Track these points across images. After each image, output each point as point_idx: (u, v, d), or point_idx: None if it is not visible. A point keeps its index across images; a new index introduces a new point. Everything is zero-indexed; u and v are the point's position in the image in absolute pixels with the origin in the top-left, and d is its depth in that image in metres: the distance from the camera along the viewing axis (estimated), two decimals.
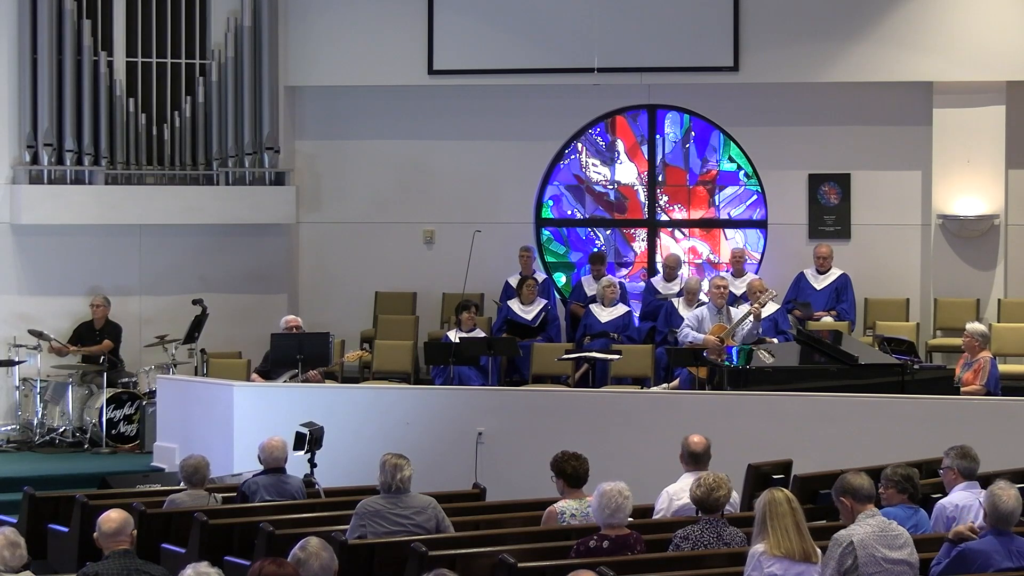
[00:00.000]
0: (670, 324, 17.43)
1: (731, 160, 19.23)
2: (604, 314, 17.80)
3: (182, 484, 11.64)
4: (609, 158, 19.58)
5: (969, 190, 17.92)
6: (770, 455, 12.24)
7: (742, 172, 19.21)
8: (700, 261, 19.39)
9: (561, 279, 19.69)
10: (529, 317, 18.12)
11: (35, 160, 17.73)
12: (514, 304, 18.23)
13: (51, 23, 17.65)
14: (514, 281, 18.49)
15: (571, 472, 10.04)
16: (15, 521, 11.67)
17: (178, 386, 16.14)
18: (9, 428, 17.19)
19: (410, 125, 19.46)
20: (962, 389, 14.69)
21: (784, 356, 15.71)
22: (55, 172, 17.84)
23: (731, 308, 16.73)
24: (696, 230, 19.47)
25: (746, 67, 18.23)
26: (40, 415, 16.99)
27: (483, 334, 17.27)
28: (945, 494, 9.92)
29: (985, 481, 9.40)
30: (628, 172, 19.56)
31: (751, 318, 16.38)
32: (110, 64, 18.06)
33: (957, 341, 16.02)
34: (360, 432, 14.44)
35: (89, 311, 17.74)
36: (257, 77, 18.62)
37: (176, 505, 11.23)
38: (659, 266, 19.11)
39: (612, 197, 19.61)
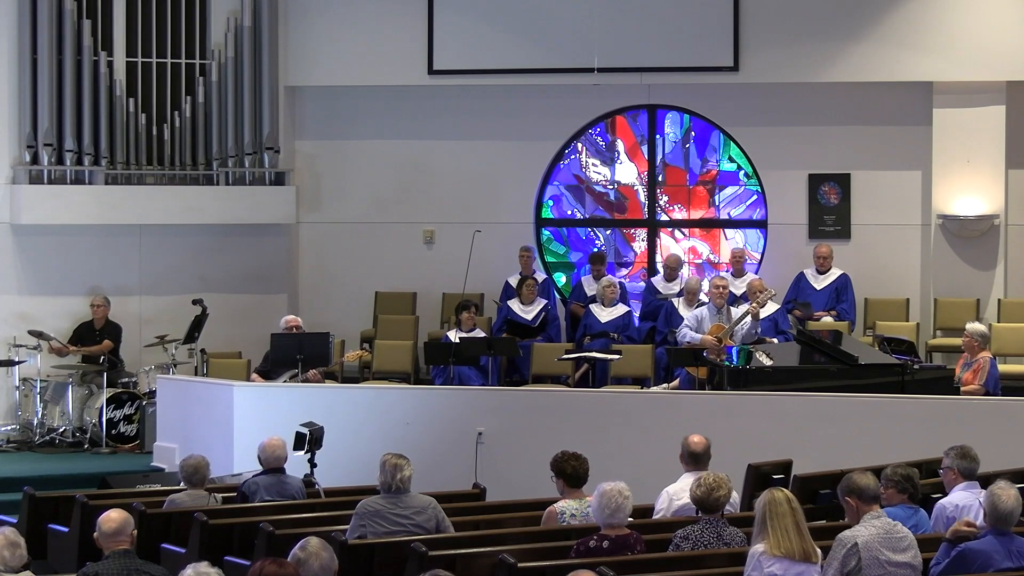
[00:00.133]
0: (670, 324, 17.43)
1: (731, 160, 19.23)
2: (604, 314, 17.81)
3: (182, 484, 11.63)
4: (609, 158, 19.58)
5: (969, 190, 17.92)
6: (770, 455, 12.24)
7: (742, 172, 19.21)
8: (700, 261, 19.39)
9: (561, 279, 19.69)
10: (529, 317, 18.12)
11: (35, 160, 17.73)
12: (514, 304, 18.23)
13: (51, 23, 17.66)
14: (514, 281, 18.49)
15: (571, 472, 10.04)
16: (15, 521, 11.67)
17: (178, 386, 16.14)
18: (9, 428, 17.19)
19: (410, 125, 19.46)
20: (962, 389, 14.69)
21: (784, 356, 15.71)
22: (55, 172, 17.84)
23: (731, 308, 16.73)
24: (696, 230, 19.47)
25: (746, 67, 18.23)
26: (40, 415, 16.99)
27: (483, 334, 17.27)
28: (945, 494, 9.92)
29: (985, 481, 9.40)
30: (628, 172, 19.56)
31: (749, 317, 16.38)
32: (110, 64, 18.06)
33: (957, 341, 16.01)
34: (360, 432, 14.44)
35: (89, 311, 17.74)
36: (257, 77, 18.62)
37: (176, 505, 11.23)
38: (659, 266, 19.11)
39: (612, 197, 19.61)
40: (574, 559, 8.87)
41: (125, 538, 8.03)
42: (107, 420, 16.65)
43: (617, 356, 16.76)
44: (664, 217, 19.50)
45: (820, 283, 18.14)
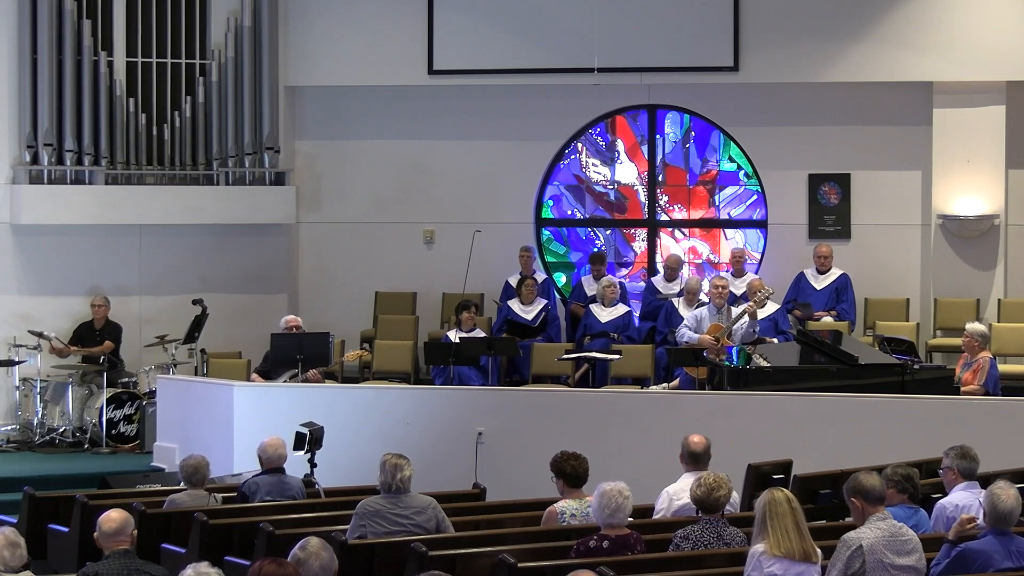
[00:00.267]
0: (670, 324, 17.43)
1: (731, 160, 19.23)
2: (604, 314, 17.81)
3: (182, 484, 11.63)
4: (609, 158, 19.58)
5: (969, 190, 17.92)
6: (770, 455, 12.24)
7: (742, 172, 19.21)
8: (700, 261, 19.39)
9: (561, 279, 19.69)
10: (529, 317, 18.13)
11: (35, 160, 17.73)
12: (514, 304, 18.23)
13: (51, 23, 17.66)
14: (514, 281, 18.50)
15: (570, 472, 10.04)
16: (15, 521, 11.67)
17: (178, 386, 16.14)
18: (9, 428, 17.19)
19: (410, 125, 19.46)
20: (962, 389, 14.70)
21: (784, 356, 15.71)
22: (55, 172, 17.84)
23: (731, 308, 16.73)
24: (696, 230, 19.47)
25: (746, 67, 18.23)
26: (40, 415, 16.99)
27: (483, 334, 17.27)
28: (945, 494, 9.92)
29: (985, 481, 9.40)
30: (628, 172, 19.56)
31: (747, 317, 16.38)
32: (110, 64, 18.06)
33: (957, 341, 16.01)
34: (360, 432, 14.44)
35: (89, 311, 17.74)
36: (257, 77, 18.62)
37: (176, 505, 11.23)
38: (659, 266, 19.11)
39: (612, 197, 19.61)
40: (574, 559, 8.87)
41: (125, 538, 8.03)
42: (107, 420, 16.65)
43: (617, 356, 16.76)
44: (664, 217, 19.50)
45: (820, 283, 18.14)
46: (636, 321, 18.15)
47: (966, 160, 17.94)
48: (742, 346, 15.98)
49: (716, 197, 19.30)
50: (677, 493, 10.37)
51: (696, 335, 16.49)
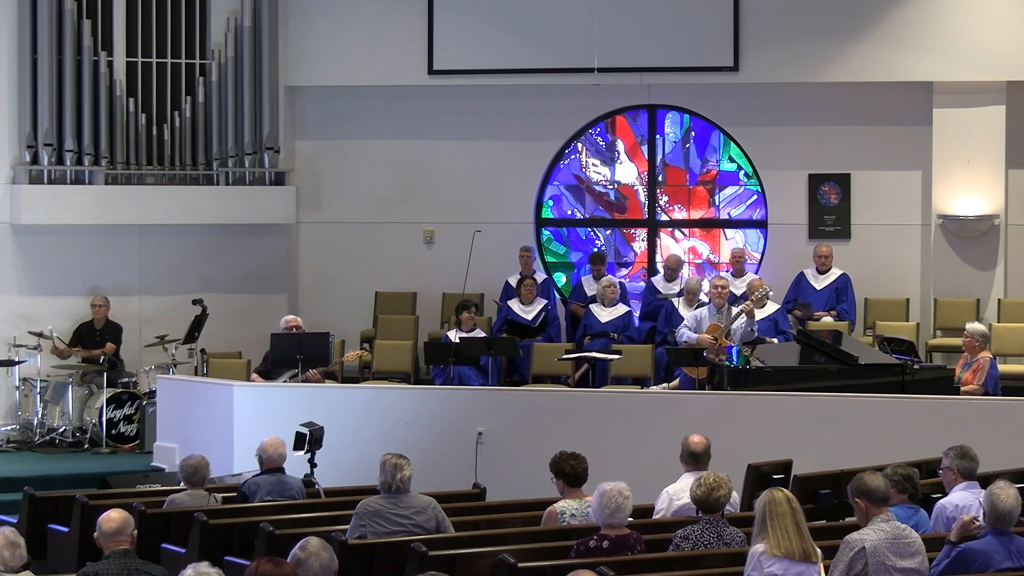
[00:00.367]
0: (670, 324, 17.43)
1: (731, 160, 19.23)
2: (604, 314, 17.81)
3: (182, 484, 11.63)
4: (609, 158, 19.58)
5: (969, 190, 17.92)
6: (770, 455, 12.24)
7: (742, 172, 19.21)
8: (700, 261, 19.39)
9: (561, 279, 19.69)
10: (529, 317, 18.13)
11: (35, 160, 17.73)
12: (514, 304, 18.23)
13: (51, 23, 17.66)
14: (514, 281, 18.50)
15: (569, 471, 10.04)
16: (15, 521, 11.67)
17: (178, 386, 16.13)
18: (9, 428, 17.19)
19: (410, 125, 19.46)
20: (962, 389, 14.70)
21: (784, 356, 15.71)
22: (55, 172, 17.84)
23: (731, 308, 16.73)
24: (696, 230, 19.47)
25: (746, 67, 18.23)
26: (40, 415, 16.99)
27: (483, 334, 17.27)
28: (945, 494, 9.93)
29: (985, 481, 9.40)
30: (628, 172, 19.56)
31: (744, 316, 16.38)
32: (110, 64, 18.06)
33: (957, 341, 16.02)
34: (360, 432, 14.43)
35: (89, 311, 17.74)
36: (257, 77, 18.62)
37: (176, 505, 11.23)
38: (659, 266, 19.11)
39: (612, 197, 19.61)
40: (574, 559, 8.87)
41: (125, 538, 8.03)
42: (107, 420, 16.65)
43: (617, 356, 16.76)
44: (664, 217, 19.50)
45: (820, 283, 18.14)
46: (636, 321, 18.15)
47: (966, 160, 17.95)
48: (740, 347, 15.98)
49: (716, 197, 19.30)
50: (677, 493, 10.37)
51: (695, 335, 16.49)
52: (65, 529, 11.51)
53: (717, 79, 18.40)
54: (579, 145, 19.58)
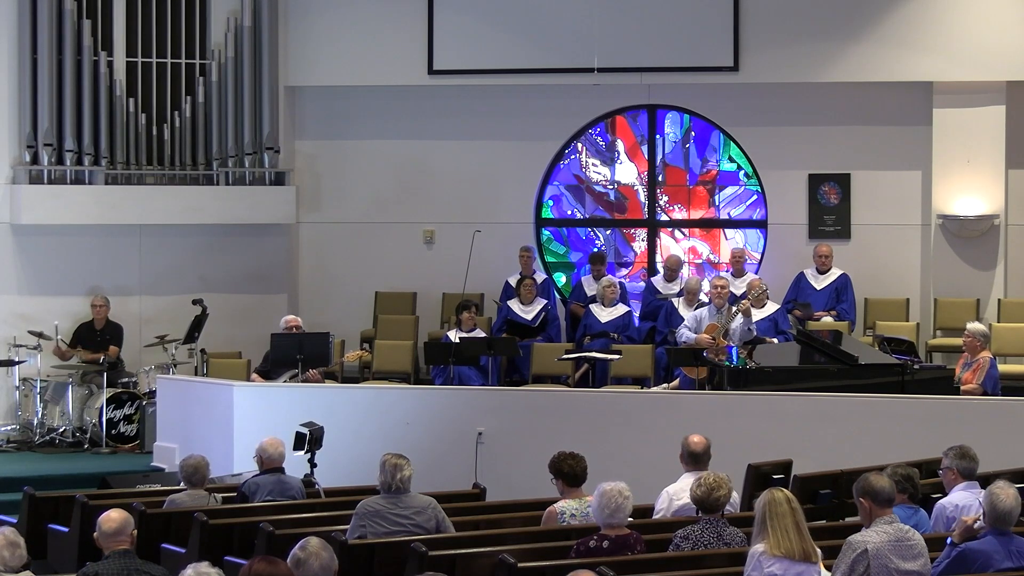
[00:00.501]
0: (670, 324, 17.43)
1: (731, 160, 19.23)
2: (604, 314, 17.81)
3: (182, 484, 11.63)
4: (609, 158, 19.58)
5: (969, 190, 17.92)
6: (770, 455, 12.24)
7: (742, 172, 19.21)
8: (700, 261, 19.39)
9: (561, 279, 19.69)
10: (529, 317, 18.13)
11: (35, 160, 17.73)
12: (514, 304, 18.23)
13: (51, 23, 17.66)
14: (514, 281, 18.50)
15: (568, 471, 10.04)
16: (15, 521, 11.67)
17: (178, 386, 16.14)
18: (9, 428, 17.19)
19: (410, 125, 19.46)
20: (961, 388, 14.70)
21: (784, 356, 15.71)
22: (55, 172, 17.84)
23: (732, 308, 16.73)
24: (696, 230, 19.47)
25: (746, 67, 18.23)
26: (40, 415, 16.99)
27: (483, 334, 17.27)
28: (945, 494, 9.93)
29: (985, 481, 9.40)
30: (628, 172, 19.56)
31: (740, 315, 16.38)
32: (110, 64, 18.06)
33: (957, 341, 16.02)
34: (360, 432, 14.44)
35: (89, 311, 17.74)
36: (257, 77, 18.62)
37: (176, 505, 11.23)
38: (659, 266, 19.11)
39: (612, 197, 19.61)
40: (574, 559, 8.87)
41: (125, 538, 8.03)
42: (107, 420, 16.65)
43: (617, 356, 16.76)
44: (664, 217, 19.50)
45: (820, 283, 18.14)
46: (636, 321, 18.15)
47: (966, 160, 17.94)
48: (738, 347, 15.97)
49: (716, 197, 19.30)
50: (677, 493, 10.37)
51: (693, 336, 16.49)
52: (65, 529, 11.51)
53: (717, 79, 18.40)
54: (579, 145, 19.58)
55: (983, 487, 8.94)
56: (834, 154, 18.63)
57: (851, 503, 9.82)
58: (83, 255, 18.18)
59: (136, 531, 8.17)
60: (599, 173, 19.61)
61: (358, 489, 11.69)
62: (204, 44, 18.58)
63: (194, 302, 17.62)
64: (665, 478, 10.77)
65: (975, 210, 17.91)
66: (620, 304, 17.97)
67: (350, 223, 19.54)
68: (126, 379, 17.16)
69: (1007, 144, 17.89)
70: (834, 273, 18.15)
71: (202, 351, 17.64)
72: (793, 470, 11.81)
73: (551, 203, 19.66)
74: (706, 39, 18.28)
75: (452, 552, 9.42)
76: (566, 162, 19.58)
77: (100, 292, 17.91)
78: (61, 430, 16.83)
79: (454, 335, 17.00)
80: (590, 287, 18.49)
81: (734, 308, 16.64)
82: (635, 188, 19.54)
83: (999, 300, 17.98)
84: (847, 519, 10.89)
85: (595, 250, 19.30)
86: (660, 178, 19.43)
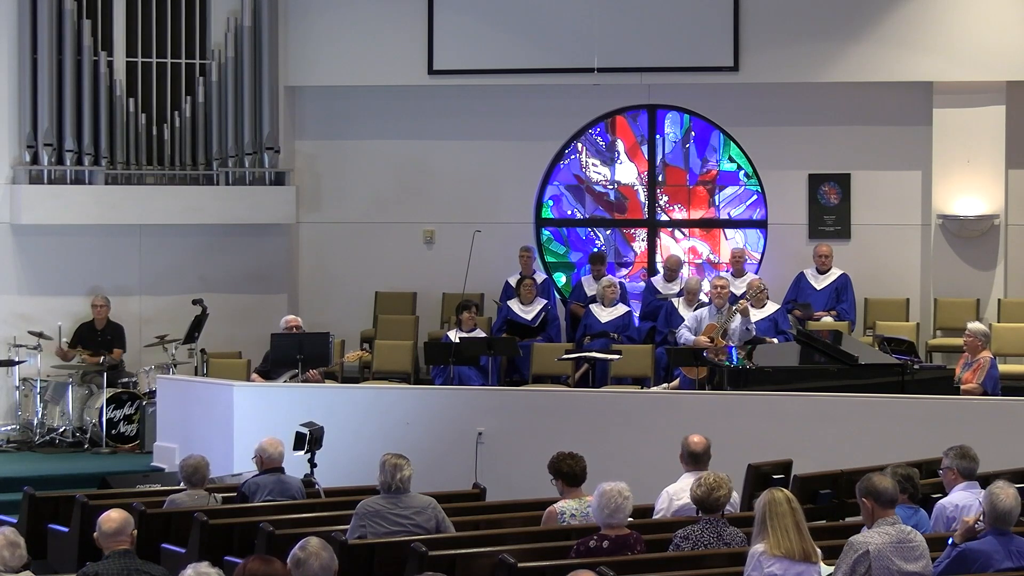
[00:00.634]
0: (670, 324, 17.43)
1: (731, 160, 19.23)
2: (604, 314, 17.81)
3: (182, 484, 11.63)
4: (609, 158, 19.58)
5: (969, 190, 17.92)
6: (770, 455, 12.24)
7: (742, 172, 19.21)
8: (700, 261, 19.39)
9: (561, 279, 19.69)
10: (529, 317, 18.13)
11: (35, 160, 17.73)
12: (514, 304, 18.23)
13: (51, 23, 17.66)
14: (514, 281, 18.50)
15: (567, 471, 10.04)
16: (15, 521, 11.67)
17: (178, 386, 16.14)
18: (9, 428, 17.19)
19: (410, 125, 19.46)
20: (961, 388, 14.70)
21: (784, 356, 15.71)
22: (55, 172, 17.84)
23: (731, 308, 16.72)
24: (696, 230, 19.47)
25: (746, 67, 18.23)
26: (40, 415, 17.00)
27: (483, 334, 17.27)
28: (945, 494, 9.93)
29: (985, 481, 9.40)
30: (628, 172, 19.56)
31: (738, 315, 16.38)
32: (110, 64, 18.06)
33: (957, 341, 16.02)
34: (360, 432, 14.44)
35: (89, 311, 17.74)
36: (257, 77, 18.62)
37: (176, 505, 11.23)
38: (659, 266, 19.11)
39: (612, 197, 19.61)
40: (574, 559, 8.87)
41: (125, 538, 8.03)
42: (107, 420, 16.65)
43: (617, 356, 16.76)
44: (664, 217, 19.50)
45: (820, 283, 18.14)
46: (636, 321, 18.15)
47: (966, 160, 17.94)
48: (736, 347, 15.97)
49: (716, 197, 19.30)
50: (677, 493, 10.37)
51: (692, 337, 16.49)
52: (65, 529, 11.52)
53: (717, 79, 18.40)
54: (579, 145, 19.58)
55: (983, 487, 8.94)
56: (834, 154, 18.63)
57: (851, 503, 9.85)
58: (83, 255, 18.18)
59: (136, 531, 8.17)
60: (599, 173, 19.61)
61: (358, 489, 11.69)
62: (204, 44, 18.58)
63: (194, 302, 17.62)
64: (665, 478, 10.77)
65: (975, 210, 17.91)
66: (620, 304, 17.97)
67: (350, 223, 19.54)
68: (126, 379, 17.17)
69: (1007, 144, 17.88)
70: (834, 273, 18.15)
71: (202, 351, 17.64)
72: (793, 470, 11.81)
73: (551, 203, 19.66)
74: (706, 39, 18.28)
75: (452, 552, 9.42)
76: (566, 162, 19.58)
77: (100, 292, 17.91)
78: (61, 430, 16.83)
79: (454, 335, 17.01)
80: (590, 287, 18.49)
81: (733, 308, 16.64)
82: (635, 188, 19.54)
83: (999, 300, 17.98)
84: (847, 519, 10.90)
85: (595, 250, 19.30)
86: (660, 178, 19.43)
